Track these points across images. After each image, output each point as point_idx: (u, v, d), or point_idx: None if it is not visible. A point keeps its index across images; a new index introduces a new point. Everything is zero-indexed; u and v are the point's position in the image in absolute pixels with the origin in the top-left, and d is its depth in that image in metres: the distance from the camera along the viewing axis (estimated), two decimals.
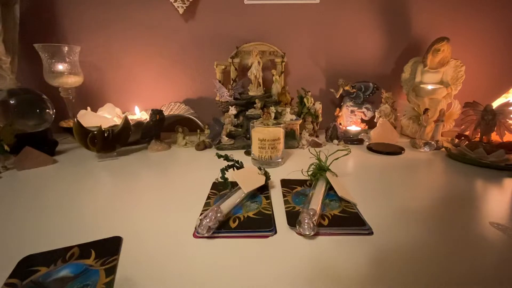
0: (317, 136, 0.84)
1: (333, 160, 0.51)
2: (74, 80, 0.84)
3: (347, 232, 0.36)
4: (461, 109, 0.82)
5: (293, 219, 0.38)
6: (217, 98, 0.85)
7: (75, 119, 0.67)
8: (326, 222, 0.38)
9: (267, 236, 0.36)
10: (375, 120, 0.87)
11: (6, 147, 0.62)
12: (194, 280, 0.29)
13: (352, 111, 0.93)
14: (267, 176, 0.50)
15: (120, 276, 0.29)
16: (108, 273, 0.28)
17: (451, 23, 0.94)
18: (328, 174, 0.48)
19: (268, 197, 0.46)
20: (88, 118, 0.81)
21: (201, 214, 0.40)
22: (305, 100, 0.85)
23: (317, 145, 0.79)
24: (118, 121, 0.86)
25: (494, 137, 0.72)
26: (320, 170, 0.50)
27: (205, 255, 0.32)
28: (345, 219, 0.39)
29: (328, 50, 0.98)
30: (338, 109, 0.94)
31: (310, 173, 0.51)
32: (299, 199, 0.45)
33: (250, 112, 0.81)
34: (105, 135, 0.67)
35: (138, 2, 0.90)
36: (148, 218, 0.41)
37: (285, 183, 0.52)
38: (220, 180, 0.48)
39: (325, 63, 0.99)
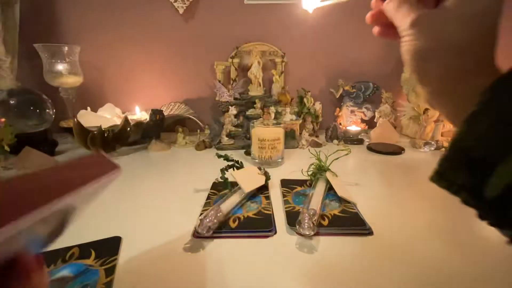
0: (317, 136, 0.84)
1: (333, 160, 0.51)
2: (74, 80, 0.84)
3: (347, 232, 0.36)
4: None
5: (293, 219, 0.38)
6: (217, 98, 0.86)
7: (75, 119, 0.67)
8: (326, 222, 0.38)
9: (267, 236, 0.36)
10: (375, 120, 0.87)
11: (6, 147, 0.62)
12: (194, 280, 0.29)
13: (352, 111, 0.93)
14: (267, 176, 0.50)
15: (120, 276, 0.29)
16: (108, 273, 0.28)
17: None
18: (328, 174, 0.48)
19: (268, 197, 0.46)
20: (88, 118, 0.81)
21: (201, 214, 0.40)
22: (305, 100, 0.85)
23: (317, 145, 0.79)
24: (118, 121, 0.86)
25: None
26: (320, 170, 0.50)
27: (205, 255, 0.32)
28: (345, 219, 0.39)
29: (328, 50, 0.98)
30: (338, 109, 0.94)
31: (310, 173, 0.51)
32: (299, 199, 0.45)
33: (250, 112, 0.81)
34: (105, 135, 0.67)
35: (138, 2, 0.90)
36: (148, 218, 0.41)
37: (285, 183, 0.52)
38: (220, 180, 0.48)
39: (325, 63, 0.99)
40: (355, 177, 0.57)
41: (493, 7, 0.20)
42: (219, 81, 0.86)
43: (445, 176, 0.22)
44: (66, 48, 0.80)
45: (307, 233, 0.35)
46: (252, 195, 0.46)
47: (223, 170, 0.48)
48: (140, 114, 0.94)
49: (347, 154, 0.53)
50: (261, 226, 0.37)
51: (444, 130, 0.89)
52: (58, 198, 0.13)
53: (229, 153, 0.53)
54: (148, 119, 0.76)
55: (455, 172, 0.21)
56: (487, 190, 0.19)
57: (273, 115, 0.77)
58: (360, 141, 0.82)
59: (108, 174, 0.19)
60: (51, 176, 0.15)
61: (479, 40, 0.20)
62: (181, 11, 0.89)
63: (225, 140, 0.77)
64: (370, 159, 0.69)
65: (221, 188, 0.49)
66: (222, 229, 0.36)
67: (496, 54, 0.21)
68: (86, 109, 0.87)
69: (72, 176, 0.16)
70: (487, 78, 0.19)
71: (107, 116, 0.88)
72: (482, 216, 0.21)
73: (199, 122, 0.83)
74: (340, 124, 0.91)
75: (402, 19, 0.22)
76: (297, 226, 0.36)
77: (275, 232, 0.37)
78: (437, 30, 0.21)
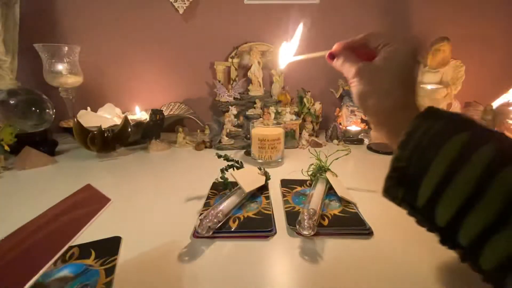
0: (317, 136, 0.84)
1: (333, 160, 0.51)
2: (74, 80, 0.84)
3: (347, 232, 0.36)
4: (461, 109, 0.82)
5: (293, 219, 0.38)
6: (217, 98, 0.86)
7: (75, 119, 0.67)
8: (326, 222, 0.38)
9: (267, 236, 0.36)
10: None
11: (6, 147, 0.62)
12: (194, 280, 0.29)
13: (352, 111, 0.93)
14: (267, 176, 0.50)
15: (120, 276, 0.29)
16: (108, 273, 0.28)
17: (451, 23, 0.94)
18: (328, 174, 0.48)
19: (268, 197, 0.46)
20: (88, 118, 0.81)
21: (201, 214, 0.40)
22: (305, 100, 0.85)
23: (317, 145, 0.79)
24: (118, 121, 0.86)
25: None
26: (320, 170, 0.50)
27: (205, 255, 0.32)
28: (345, 219, 0.39)
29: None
30: (338, 109, 0.94)
31: (310, 173, 0.51)
32: (299, 199, 0.45)
33: (250, 112, 0.81)
34: (105, 135, 0.67)
35: (138, 2, 0.90)
36: (148, 218, 0.41)
37: (285, 183, 0.52)
38: (220, 180, 0.48)
39: (325, 63, 0.99)
40: (355, 177, 0.57)
41: (410, 62, 0.28)
42: (219, 81, 0.86)
43: (389, 191, 0.27)
44: (66, 48, 0.80)
45: (307, 233, 0.35)
46: (252, 195, 0.46)
47: (223, 170, 0.48)
48: (140, 114, 0.94)
49: (347, 154, 0.53)
50: (261, 226, 0.37)
51: None
52: (64, 247, 0.17)
53: (229, 153, 0.53)
54: (148, 119, 0.76)
55: (396, 187, 0.26)
56: (418, 201, 0.24)
57: (273, 115, 0.77)
58: (360, 141, 0.82)
59: (102, 209, 0.22)
60: (54, 224, 0.18)
61: (400, 86, 0.27)
62: (181, 11, 0.89)
63: (225, 140, 0.77)
64: (370, 159, 0.69)
65: (221, 188, 0.49)
66: (222, 229, 0.36)
67: (416, 95, 0.28)
68: (86, 109, 0.87)
69: (71, 219, 0.19)
70: (410, 114, 0.26)
71: (107, 116, 0.88)
72: (419, 223, 0.26)
73: (199, 122, 0.83)
74: (340, 124, 0.91)
75: (348, 72, 0.31)
76: (297, 226, 0.36)
77: (275, 232, 0.37)
78: (370, 78, 0.28)
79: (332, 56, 0.35)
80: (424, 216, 0.25)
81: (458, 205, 0.22)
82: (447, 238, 0.24)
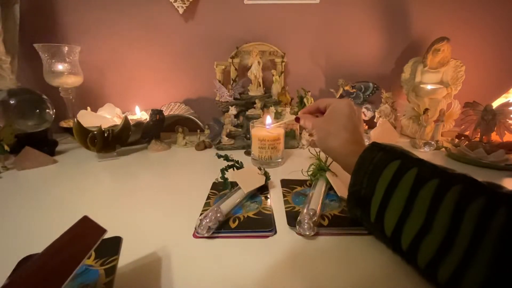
0: None
1: (333, 160, 0.51)
2: (74, 80, 0.84)
3: (347, 232, 0.36)
4: (461, 109, 0.82)
5: (293, 219, 0.38)
6: (217, 98, 0.86)
7: (75, 119, 0.67)
8: (326, 222, 0.38)
9: (267, 236, 0.36)
10: (375, 120, 0.87)
11: (6, 147, 0.62)
12: (194, 280, 0.29)
13: None
14: (267, 176, 0.50)
15: (120, 276, 0.29)
16: (108, 273, 0.28)
17: (451, 23, 0.94)
18: (328, 174, 0.48)
19: (268, 197, 0.46)
20: (88, 118, 0.81)
21: (201, 214, 0.40)
22: (305, 100, 0.85)
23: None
24: (118, 121, 0.86)
25: (494, 137, 0.72)
26: (320, 170, 0.50)
27: (205, 255, 0.32)
28: (345, 219, 0.39)
29: (328, 50, 0.98)
30: None
31: (310, 173, 0.51)
32: (299, 199, 0.45)
33: (250, 112, 0.81)
34: (105, 135, 0.67)
35: (138, 2, 0.90)
36: (148, 218, 0.41)
37: (285, 183, 0.52)
38: (220, 180, 0.48)
39: (325, 63, 0.99)
40: None
41: (346, 112, 0.39)
42: (219, 81, 0.86)
43: (351, 211, 0.35)
44: (66, 48, 0.80)
45: (307, 233, 0.35)
46: (252, 195, 0.46)
47: (223, 170, 0.48)
48: (140, 114, 0.94)
49: None
50: (261, 226, 0.37)
51: (444, 130, 0.89)
52: (66, 279, 0.19)
53: (229, 153, 0.53)
54: (148, 119, 0.76)
55: (354, 208, 0.33)
56: (370, 218, 0.30)
57: (273, 115, 0.77)
58: None
59: (98, 240, 0.23)
60: (54, 261, 0.21)
61: (343, 129, 0.38)
62: (181, 11, 0.89)
63: (225, 140, 0.77)
64: None
65: (221, 188, 0.49)
66: (222, 229, 0.36)
67: (361, 133, 0.39)
68: (86, 109, 0.87)
69: (71, 253, 0.21)
70: (357, 148, 0.35)
71: (107, 116, 0.88)
72: (377, 238, 0.33)
73: (199, 122, 0.83)
74: None
75: (309, 126, 0.44)
76: (297, 226, 0.36)
77: (275, 232, 0.37)
78: (320, 128, 0.41)
79: (298, 119, 0.47)
80: (378, 230, 0.30)
81: (397, 217, 0.27)
82: (395, 247, 0.29)
